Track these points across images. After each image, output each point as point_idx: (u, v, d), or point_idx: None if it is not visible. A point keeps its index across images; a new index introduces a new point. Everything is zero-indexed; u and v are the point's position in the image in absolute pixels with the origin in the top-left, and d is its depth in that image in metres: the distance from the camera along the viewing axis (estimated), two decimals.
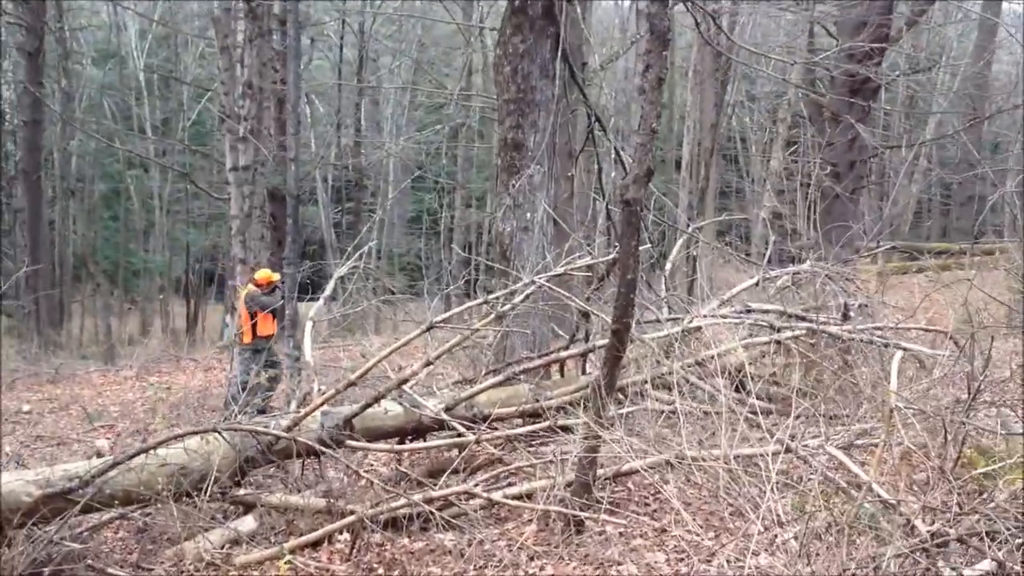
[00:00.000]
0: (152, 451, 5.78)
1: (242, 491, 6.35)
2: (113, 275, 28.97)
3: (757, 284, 8.84)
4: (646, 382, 6.90)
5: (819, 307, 8.72)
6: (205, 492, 5.91)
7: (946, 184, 30.65)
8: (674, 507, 6.25)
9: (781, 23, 25.77)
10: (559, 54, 8.37)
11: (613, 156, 9.69)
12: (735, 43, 12.70)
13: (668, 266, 9.25)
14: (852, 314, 8.00)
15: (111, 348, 20.45)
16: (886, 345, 7.26)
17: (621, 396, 6.90)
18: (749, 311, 7.82)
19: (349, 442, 6.68)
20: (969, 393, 5.37)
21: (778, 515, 5.51)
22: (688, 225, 10.50)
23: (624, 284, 5.31)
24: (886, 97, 26.64)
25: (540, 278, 6.90)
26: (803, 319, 7.84)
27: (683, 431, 5.82)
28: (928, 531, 4.67)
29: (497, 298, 6.91)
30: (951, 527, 4.68)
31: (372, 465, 8.25)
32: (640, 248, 5.36)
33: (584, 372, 8.30)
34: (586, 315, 7.75)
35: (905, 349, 6.97)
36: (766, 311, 7.85)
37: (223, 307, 23.97)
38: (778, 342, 7.44)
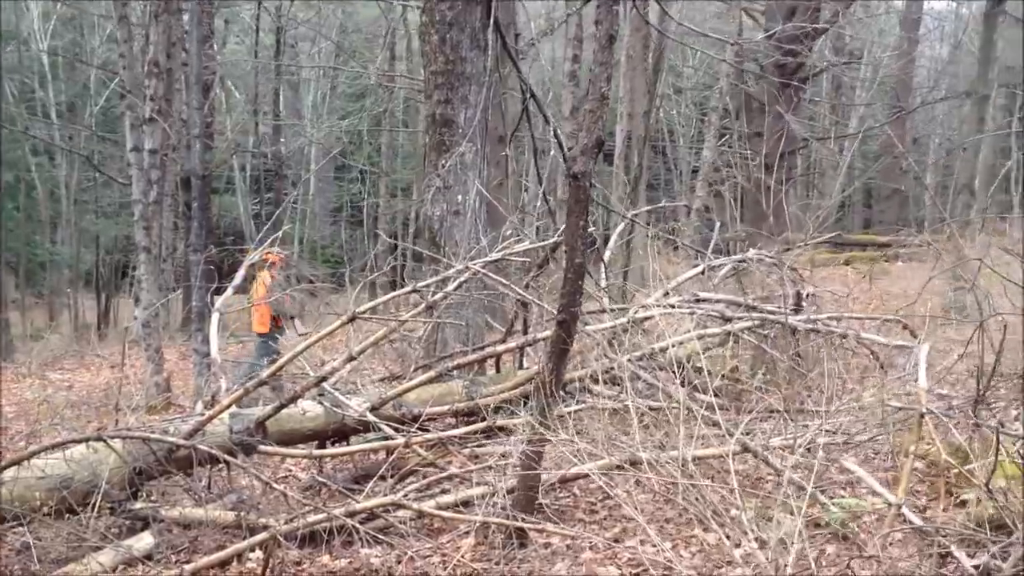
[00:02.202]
0: (26, 462, 5.00)
1: (138, 504, 5.60)
2: (17, 268, 27.48)
3: (703, 273, 8.35)
4: (592, 378, 6.33)
5: (766, 297, 8.28)
6: (93, 507, 5.17)
7: (869, 177, 30.78)
8: (625, 515, 5.72)
9: (707, 14, 25.58)
10: (491, 23, 7.73)
11: (551, 136, 9.05)
12: (673, 20, 12.13)
13: (607, 255, 8.69)
14: (805, 303, 7.54)
15: (9, 343, 19.21)
16: (844, 336, 6.80)
17: (564, 393, 6.30)
18: (698, 300, 7.28)
19: (261, 448, 6.00)
20: (979, 388, 4.81)
21: (742, 522, 4.94)
22: (626, 212, 9.95)
23: (571, 268, 4.71)
24: (811, 91, 26.56)
25: (475, 264, 6.26)
26: (754, 309, 7.34)
27: (636, 431, 5.24)
28: (972, 566, 3.99)
29: (427, 286, 6.24)
30: (1001, 559, 3.96)
31: (290, 471, 7.55)
32: (588, 229, 4.76)
33: (521, 367, 7.71)
34: (524, 305, 7.16)
35: (871, 340, 6.50)
36: (716, 300, 7.33)
37: (132, 300, 22.88)
38: (730, 333, 6.91)
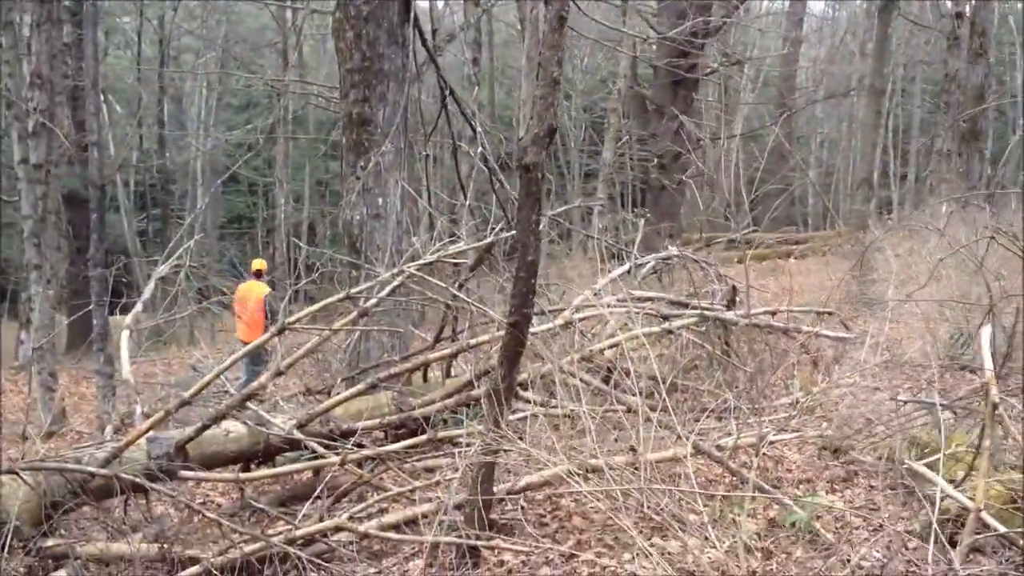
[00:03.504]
0: None
1: (51, 541, 5.09)
2: None
3: (629, 272, 8.17)
4: (531, 384, 6.06)
5: (693, 294, 8.16)
6: (3, 547, 4.66)
7: (754, 177, 31.37)
8: (577, 526, 5.47)
9: (598, 16, 25.63)
10: (410, 17, 7.39)
11: (472, 133, 8.73)
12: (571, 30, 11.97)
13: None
14: (739, 299, 7.43)
15: None
16: (785, 331, 6.68)
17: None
18: (635, 299, 7.08)
19: (183, 472, 5.54)
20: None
21: (704, 527, 4.72)
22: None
23: (523, 266, 4.43)
24: (699, 93, 26.90)
25: (410, 267, 5.92)
26: (687, 306, 7.18)
27: (591, 436, 4.98)
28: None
29: (360, 292, 5.85)
30: None
31: (208, 496, 7.07)
32: (540, 223, 4.49)
33: (449, 375, 7.38)
34: (451, 310, 6.85)
35: (819, 335, 6.39)
36: (652, 298, 7.14)
37: (17, 323, 21.70)
38: (669, 331, 6.72)
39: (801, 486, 5.84)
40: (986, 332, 4.49)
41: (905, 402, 5.03)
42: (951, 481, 4.96)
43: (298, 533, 4.83)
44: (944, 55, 20.62)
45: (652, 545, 5.04)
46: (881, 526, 4.97)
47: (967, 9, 17.88)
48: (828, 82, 31.88)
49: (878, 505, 5.36)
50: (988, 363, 4.18)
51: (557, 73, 4.25)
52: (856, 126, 32.73)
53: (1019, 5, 27.11)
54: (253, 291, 10.51)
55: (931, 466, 5.14)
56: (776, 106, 28.66)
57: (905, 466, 4.90)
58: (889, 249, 10.11)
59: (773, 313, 7.21)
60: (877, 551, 4.78)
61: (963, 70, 17.93)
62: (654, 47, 21.56)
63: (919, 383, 6.82)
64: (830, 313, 7.43)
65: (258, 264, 10.87)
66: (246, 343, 9.67)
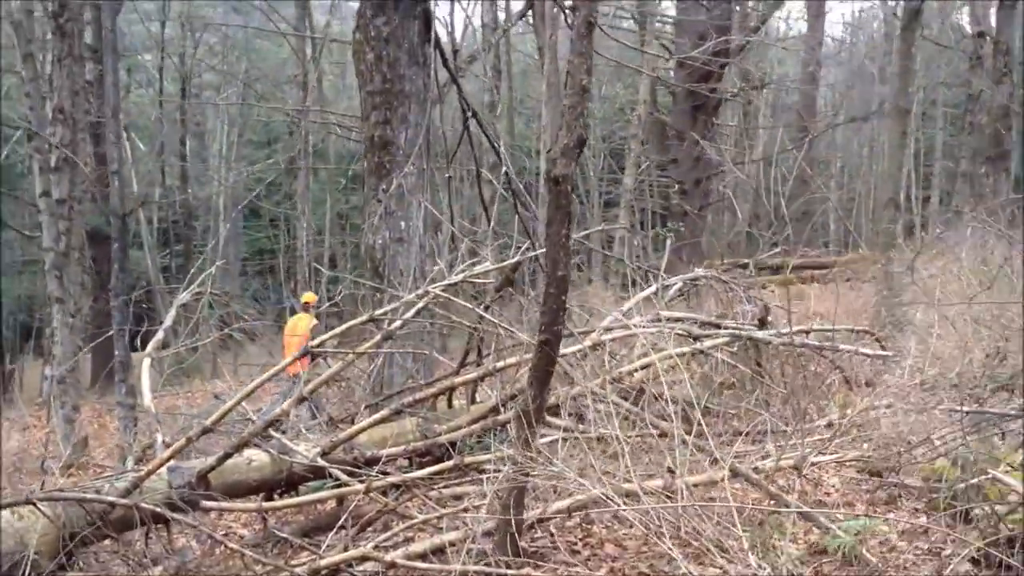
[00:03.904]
0: None
1: (70, 574, 4.95)
2: None
3: (656, 293, 8.00)
4: (561, 405, 5.89)
5: (723, 315, 7.99)
6: None
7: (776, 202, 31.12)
8: (610, 554, 5.28)
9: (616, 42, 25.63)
10: (430, 38, 7.31)
11: (495, 154, 8.60)
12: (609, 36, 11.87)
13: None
14: (770, 319, 7.24)
15: None
16: (820, 348, 6.49)
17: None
18: (661, 320, 6.91)
19: (205, 503, 5.39)
20: None
21: (744, 553, 4.52)
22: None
23: (554, 283, 4.29)
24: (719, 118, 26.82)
25: (435, 287, 5.77)
26: (719, 326, 7.01)
27: (627, 460, 4.80)
28: None
29: (384, 314, 5.71)
30: None
31: (230, 528, 6.91)
32: (571, 237, 4.34)
33: (473, 401, 7.22)
34: (476, 333, 6.70)
35: (858, 353, 6.19)
36: (679, 319, 6.97)
37: (42, 360, 21.68)
38: (701, 351, 6.54)
39: (842, 509, 5.63)
40: None
41: (968, 412, 4.80)
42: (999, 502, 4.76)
43: (322, 563, 4.67)
44: (966, 75, 20.48)
45: (688, 573, 4.86)
46: (930, 550, 4.77)
47: (991, 27, 17.73)
48: (848, 106, 31.71)
49: (925, 527, 5.15)
50: None
51: (586, 81, 4.12)
52: (878, 149, 32.54)
53: None
54: (301, 323, 10.51)
55: (978, 486, 4.93)
56: (797, 130, 28.49)
57: (963, 484, 4.68)
58: (922, 268, 9.90)
59: (807, 332, 7.02)
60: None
61: (987, 90, 17.75)
62: (672, 72, 21.56)
63: (957, 402, 6.59)
64: (867, 332, 7.23)
65: (307, 297, 10.96)
66: (294, 375, 9.60)
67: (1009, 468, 5.03)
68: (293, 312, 11.05)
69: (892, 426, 5.63)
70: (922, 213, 30.84)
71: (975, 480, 4.91)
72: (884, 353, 6.63)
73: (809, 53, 29.62)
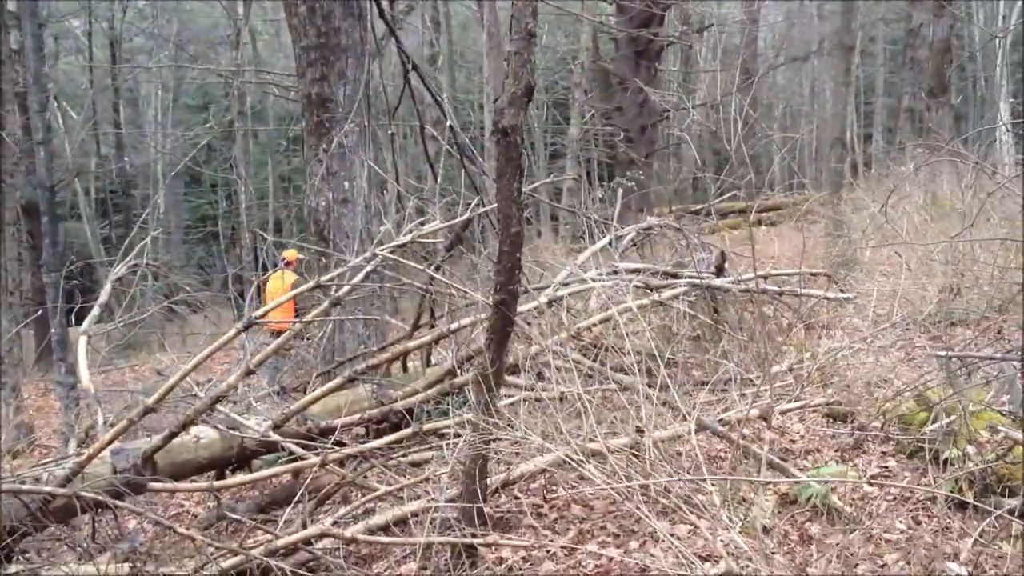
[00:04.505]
0: None
1: (13, 568, 4.70)
2: None
3: (609, 245, 7.83)
4: (520, 366, 5.71)
5: (682, 263, 7.85)
6: None
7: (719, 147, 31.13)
8: (577, 515, 5.13)
9: None
10: None
11: (438, 107, 8.32)
12: None
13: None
14: (727, 265, 7.11)
15: None
16: (780, 293, 6.37)
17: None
18: (617, 272, 6.74)
19: (152, 485, 5.15)
20: None
21: (714, 508, 4.39)
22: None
23: (508, 239, 4.08)
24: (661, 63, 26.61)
25: (383, 249, 5.53)
26: (677, 276, 6.85)
27: (586, 418, 4.63)
28: None
29: (331, 279, 5.47)
30: None
31: (183, 507, 6.68)
32: (522, 190, 4.13)
33: (429, 364, 7.02)
34: (427, 295, 6.48)
35: (809, 295, 6.07)
36: (636, 270, 6.81)
37: None
38: (659, 303, 6.39)
39: (809, 456, 5.54)
40: None
41: (950, 356, 4.70)
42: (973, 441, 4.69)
43: (279, 543, 4.47)
44: (907, 9, 20.46)
45: (665, 530, 4.73)
46: (901, 496, 4.68)
47: None
48: (788, 47, 31.67)
49: (894, 472, 5.07)
50: None
51: (532, 25, 3.88)
52: (819, 90, 32.59)
53: None
54: (286, 281, 9.97)
55: (948, 427, 4.86)
56: (740, 73, 28.39)
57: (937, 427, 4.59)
58: (870, 204, 9.84)
59: (764, 277, 6.90)
60: (901, 522, 4.49)
61: (927, 24, 17.73)
62: (613, 19, 21.29)
63: (912, 341, 6.53)
64: (826, 275, 7.13)
65: (289, 254, 10.44)
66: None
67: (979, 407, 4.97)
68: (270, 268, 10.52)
69: (857, 369, 5.53)
70: (865, 151, 31.04)
71: (947, 422, 4.83)
72: (844, 295, 6.52)
73: None
